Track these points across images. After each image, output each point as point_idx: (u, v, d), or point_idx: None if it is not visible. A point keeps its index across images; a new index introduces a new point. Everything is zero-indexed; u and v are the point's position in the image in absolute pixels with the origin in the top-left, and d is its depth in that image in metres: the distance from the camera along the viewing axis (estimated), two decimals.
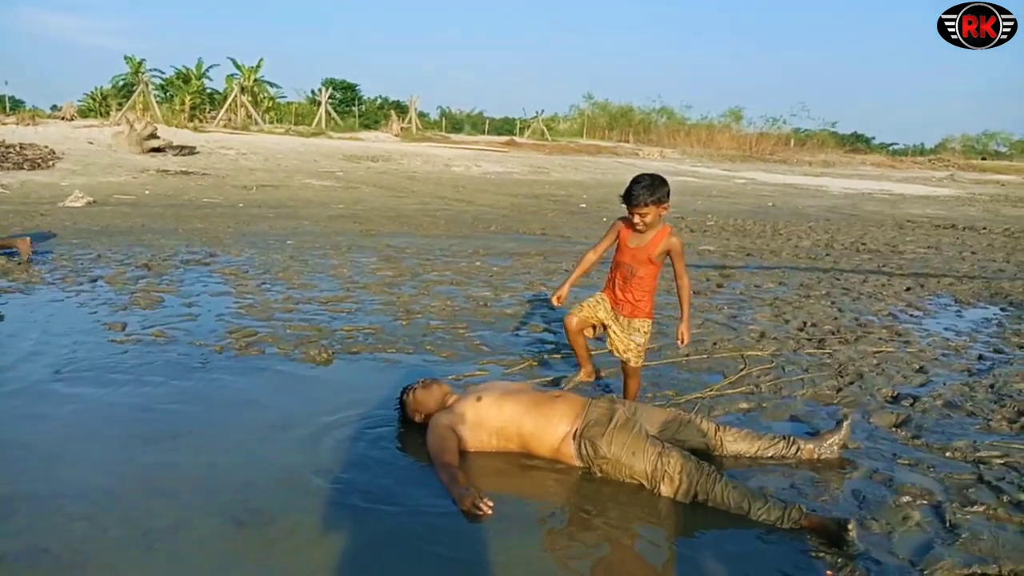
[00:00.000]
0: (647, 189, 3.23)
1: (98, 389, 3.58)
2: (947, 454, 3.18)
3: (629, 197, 3.27)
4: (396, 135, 35.34)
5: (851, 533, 2.37)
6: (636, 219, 3.29)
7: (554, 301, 3.57)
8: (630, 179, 3.32)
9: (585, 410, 2.96)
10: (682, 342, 3.44)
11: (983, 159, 47.71)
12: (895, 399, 3.91)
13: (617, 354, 3.51)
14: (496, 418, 2.98)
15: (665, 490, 2.71)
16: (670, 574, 2.33)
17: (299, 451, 3.00)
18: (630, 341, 3.45)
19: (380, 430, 3.23)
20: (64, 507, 2.49)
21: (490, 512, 2.51)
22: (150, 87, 35.40)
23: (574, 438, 2.90)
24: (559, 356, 4.45)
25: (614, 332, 3.49)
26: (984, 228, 13.51)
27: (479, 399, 3.04)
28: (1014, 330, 5.59)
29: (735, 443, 3.08)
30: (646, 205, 3.24)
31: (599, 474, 2.86)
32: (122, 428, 3.16)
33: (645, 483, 2.77)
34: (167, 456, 2.91)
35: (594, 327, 3.57)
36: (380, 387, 3.73)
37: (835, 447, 3.08)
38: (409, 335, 4.73)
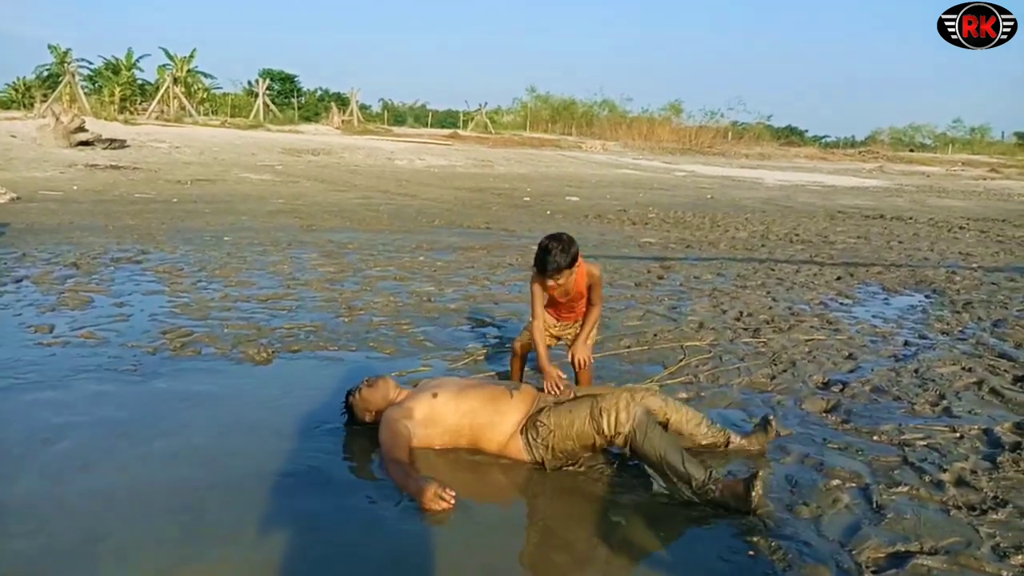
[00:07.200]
0: (562, 254, 3.09)
1: (25, 395, 3.44)
2: (874, 438, 3.32)
3: (544, 267, 3.11)
4: (337, 128, 34.84)
5: (756, 487, 2.50)
6: (551, 284, 3.18)
7: (556, 383, 3.14)
8: (540, 244, 3.15)
9: (534, 404, 2.99)
10: (572, 359, 3.33)
11: (911, 151, 49.64)
12: (826, 385, 4.05)
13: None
14: (452, 414, 2.95)
15: (606, 426, 2.72)
16: (612, 564, 2.37)
17: (239, 454, 2.94)
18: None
19: (323, 430, 3.18)
20: (4, 521, 2.40)
21: (452, 504, 2.49)
22: (77, 78, 34.12)
23: (521, 433, 2.91)
24: (503, 351, 4.47)
25: (566, 336, 3.54)
26: (911, 218, 14.07)
27: (435, 395, 3.00)
28: (937, 316, 5.85)
29: (678, 426, 3.06)
30: (560, 272, 3.13)
31: (548, 460, 2.84)
32: (53, 434, 3.03)
33: (593, 433, 2.76)
34: (105, 463, 2.81)
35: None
36: (323, 386, 3.68)
37: (765, 446, 3.14)
38: (352, 332, 4.68)
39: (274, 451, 2.96)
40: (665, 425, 3.00)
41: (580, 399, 2.92)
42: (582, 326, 3.41)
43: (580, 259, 3.25)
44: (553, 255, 3.11)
